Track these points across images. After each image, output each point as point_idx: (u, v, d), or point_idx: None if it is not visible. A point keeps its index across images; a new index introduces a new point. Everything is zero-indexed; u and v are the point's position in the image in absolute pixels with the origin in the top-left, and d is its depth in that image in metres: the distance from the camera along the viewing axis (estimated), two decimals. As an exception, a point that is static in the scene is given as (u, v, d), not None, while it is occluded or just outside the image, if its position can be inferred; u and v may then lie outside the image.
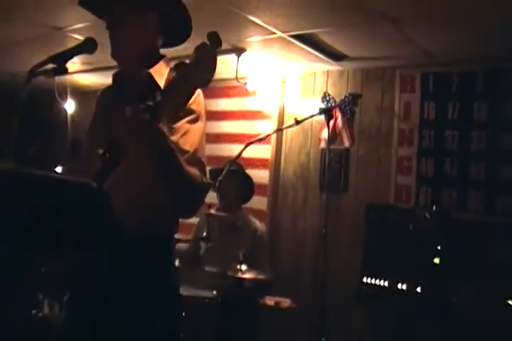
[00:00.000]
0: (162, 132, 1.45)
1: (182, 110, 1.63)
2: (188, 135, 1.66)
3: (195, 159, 1.64)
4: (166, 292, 1.72)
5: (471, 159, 3.52)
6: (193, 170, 1.61)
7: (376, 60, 3.85)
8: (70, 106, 5.18)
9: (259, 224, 3.79)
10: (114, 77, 1.87)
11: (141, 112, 1.34)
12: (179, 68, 1.40)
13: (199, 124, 1.71)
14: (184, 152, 1.62)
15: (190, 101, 1.66)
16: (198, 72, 1.35)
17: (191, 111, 1.70)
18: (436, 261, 3.07)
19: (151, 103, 1.34)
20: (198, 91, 1.73)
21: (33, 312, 2.45)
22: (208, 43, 1.40)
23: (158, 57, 1.81)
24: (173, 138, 1.61)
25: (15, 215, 1.23)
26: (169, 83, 1.40)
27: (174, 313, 1.83)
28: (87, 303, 1.65)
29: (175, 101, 1.39)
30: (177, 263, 3.45)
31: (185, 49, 1.83)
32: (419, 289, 3.08)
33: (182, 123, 1.67)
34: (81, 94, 5.20)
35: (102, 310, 1.59)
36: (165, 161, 1.52)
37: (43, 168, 1.35)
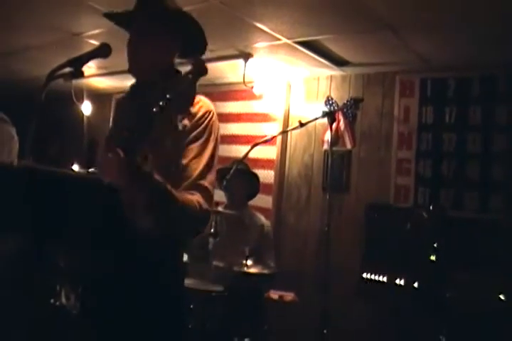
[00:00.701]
0: (143, 172, 1.40)
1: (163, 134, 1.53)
2: (197, 159, 1.65)
3: (198, 185, 1.61)
4: (173, 286, 1.72)
5: (467, 160, 3.58)
6: (191, 197, 1.57)
7: (377, 66, 3.91)
8: (86, 108, 5.19)
9: (265, 221, 3.82)
10: (132, 87, 1.88)
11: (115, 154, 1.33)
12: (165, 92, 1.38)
13: (210, 147, 1.69)
14: (189, 177, 1.61)
15: (205, 122, 1.69)
16: (178, 101, 1.37)
17: (203, 133, 1.68)
18: (433, 257, 3.08)
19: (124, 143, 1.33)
20: (213, 113, 1.74)
21: (51, 301, 2.55)
22: (192, 69, 1.42)
23: (174, 73, 1.81)
24: (184, 161, 1.62)
25: (31, 209, 1.27)
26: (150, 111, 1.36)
27: (181, 307, 1.81)
28: (98, 296, 1.65)
29: (154, 129, 1.35)
30: (186, 258, 3.57)
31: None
32: (416, 284, 3.11)
33: (193, 147, 1.66)
34: (97, 96, 5.24)
35: (113, 302, 1.60)
36: (152, 195, 1.48)
37: (59, 166, 1.40)
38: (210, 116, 1.72)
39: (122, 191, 1.46)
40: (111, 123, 1.99)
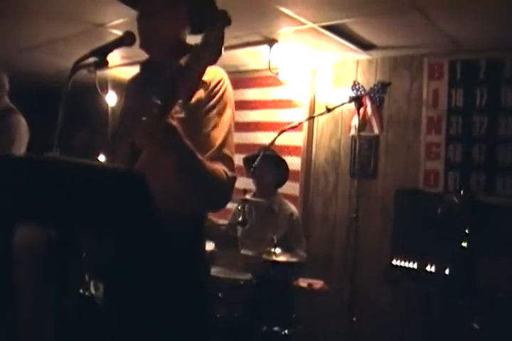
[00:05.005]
0: (173, 126, 1.45)
1: (197, 88, 1.54)
2: (217, 128, 1.67)
3: (221, 154, 1.65)
4: (196, 273, 1.74)
5: (498, 144, 3.50)
6: (216, 166, 1.60)
7: (404, 49, 3.83)
8: (110, 98, 5.18)
9: (294, 209, 3.80)
10: (143, 65, 1.89)
11: (150, 108, 1.38)
12: (191, 50, 1.42)
13: (228, 115, 1.71)
14: (212, 146, 1.64)
15: (221, 90, 1.70)
16: (207, 51, 1.37)
17: (220, 102, 1.70)
18: (464, 244, 3.05)
19: (158, 101, 1.39)
20: (227, 81, 1.74)
21: (81, 291, 2.61)
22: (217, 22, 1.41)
23: (186, 48, 1.76)
24: (204, 130, 1.65)
25: (59, 200, 1.26)
26: (182, 65, 1.40)
27: (204, 296, 1.81)
28: (122, 285, 1.68)
29: (189, 83, 1.39)
30: (213, 246, 3.58)
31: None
32: (447, 271, 3.07)
33: (212, 116, 1.68)
34: (121, 87, 5.23)
35: (137, 290, 1.63)
36: (181, 158, 1.51)
37: (85, 157, 1.39)
38: (225, 84, 1.74)
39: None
40: (122, 103, 1.98)
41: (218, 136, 1.67)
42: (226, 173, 1.62)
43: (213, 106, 1.69)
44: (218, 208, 1.75)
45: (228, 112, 1.72)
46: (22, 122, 3.52)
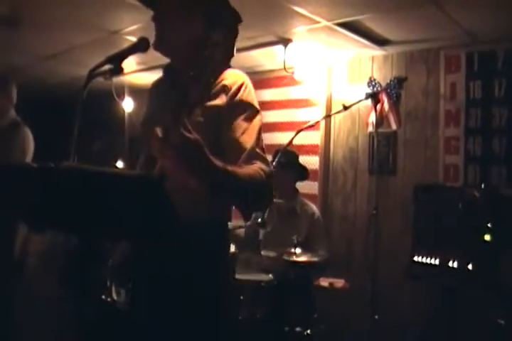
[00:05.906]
0: (195, 139, 1.39)
1: (209, 90, 1.61)
2: (247, 133, 1.65)
3: (254, 154, 1.64)
4: (218, 278, 1.74)
5: (519, 136, 3.42)
6: (252, 167, 1.58)
7: (420, 43, 3.79)
8: (127, 104, 5.23)
9: (315, 209, 3.78)
10: (165, 69, 1.88)
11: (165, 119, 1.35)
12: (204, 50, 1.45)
13: (257, 120, 1.70)
14: (244, 150, 1.62)
15: (244, 95, 1.68)
16: (219, 51, 1.39)
17: (245, 106, 1.69)
18: (487, 238, 2.99)
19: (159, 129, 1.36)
20: (248, 83, 1.73)
21: (103, 297, 2.62)
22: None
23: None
24: (234, 136, 1.63)
25: (80, 208, 1.27)
26: (194, 70, 1.42)
27: (224, 301, 1.80)
28: (144, 288, 1.70)
29: (200, 87, 1.41)
30: (234, 248, 3.58)
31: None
32: (470, 266, 3.02)
33: (240, 121, 1.66)
34: (138, 92, 5.22)
35: (159, 294, 1.64)
36: (212, 175, 1.46)
37: (103, 164, 1.40)
38: (248, 88, 1.72)
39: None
40: (145, 107, 1.99)
41: (249, 140, 1.65)
42: (264, 171, 1.59)
43: (240, 112, 1.67)
44: (264, 208, 1.80)
45: (257, 119, 1.71)
46: (30, 135, 3.61)
